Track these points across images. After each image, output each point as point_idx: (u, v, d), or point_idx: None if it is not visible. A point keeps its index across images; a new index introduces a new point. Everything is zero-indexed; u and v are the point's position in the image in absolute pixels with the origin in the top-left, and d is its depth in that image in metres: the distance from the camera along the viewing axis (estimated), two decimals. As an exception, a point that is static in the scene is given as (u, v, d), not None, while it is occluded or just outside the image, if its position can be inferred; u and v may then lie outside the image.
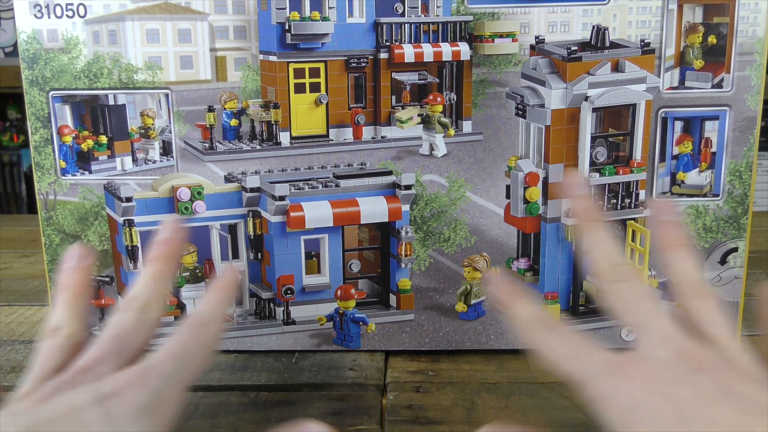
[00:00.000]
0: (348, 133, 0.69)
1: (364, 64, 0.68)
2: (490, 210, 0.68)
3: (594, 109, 0.65)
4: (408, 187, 0.67)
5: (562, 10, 0.64)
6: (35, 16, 0.64)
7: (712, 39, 0.64)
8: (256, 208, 0.68)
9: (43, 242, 0.68)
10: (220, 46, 0.65)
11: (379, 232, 0.71)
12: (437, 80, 0.70)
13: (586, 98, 0.64)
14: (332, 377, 0.64)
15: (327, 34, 0.67)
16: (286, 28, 0.66)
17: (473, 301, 0.68)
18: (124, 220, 0.67)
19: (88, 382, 0.36)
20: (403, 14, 0.67)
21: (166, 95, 0.66)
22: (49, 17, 0.64)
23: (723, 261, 0.67)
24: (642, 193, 0.67)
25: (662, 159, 0.66)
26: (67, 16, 0.64)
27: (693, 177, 0.67)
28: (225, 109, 0.67)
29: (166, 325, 0.68)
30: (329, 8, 0.66)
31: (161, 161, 0.67)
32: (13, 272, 0.97)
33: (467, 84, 0.66)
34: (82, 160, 0.68)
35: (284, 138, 0.68)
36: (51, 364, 0.39)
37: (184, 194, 0.66)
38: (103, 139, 0.67)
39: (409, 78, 0.69)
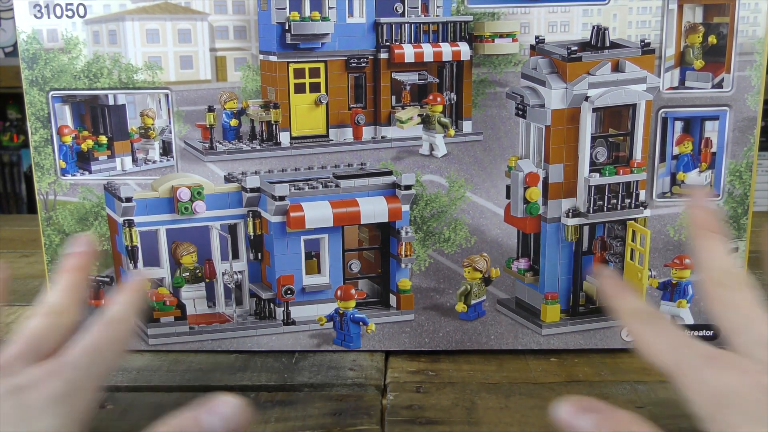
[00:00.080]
0: (348, 133, 0.69)
1: (364, 64, 0.68)
2: (490, 210, 0.68)
3: (594, 109, 0.65)
4: (408, 187, 0.67)
5: (562, 10, 0.64)
6: (35, 16, 0.64)
7: (712, 39, 0.64)
8: (256, 208, 0.68)
9: (43, 242, 0.68)
10: (220, 46, 0.65)
11: (379, 232, 0.71)
12: (437, 80, 0.70)
13: (586, 98, 0.64)
14: (332, 377, 0.64)
15: (327, 34, 0.67)
16: (286, 28, 0.66)
17: (473, 301, 0.68)
18: (124, 220, 0.67)
19: (3, 377, 0.39)
20: (403, 14, 0.67)
21: (166, 95, 0.66)
22: (49, 17, 0.64)
23: (723, 261, 0.67)
24: (642, 193, 0.67)
25: (662, 159, 0.66)
26: (67, 16, 0.64)
27: (693, 177, 0.67)
28: (225, 109, 0.67)
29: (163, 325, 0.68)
30: (329, 8, 0.66)
31: (161, 161, 0.67)
32: (13, 272, 0.96)
33: (467, 84, 0.66)
34: (82, 160, 0.68)
35: (284, 138, 0.68)
36: (38, 343, 0.42)
37: (184, 194, 0.66)
38: (103, 139, 0.67)
39: (409, 78, 0.69)
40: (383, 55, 0.68)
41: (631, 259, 0.67)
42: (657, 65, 0.64)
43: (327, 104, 0.69)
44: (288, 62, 0.67)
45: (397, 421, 0.56)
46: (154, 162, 0.67)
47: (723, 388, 0.36)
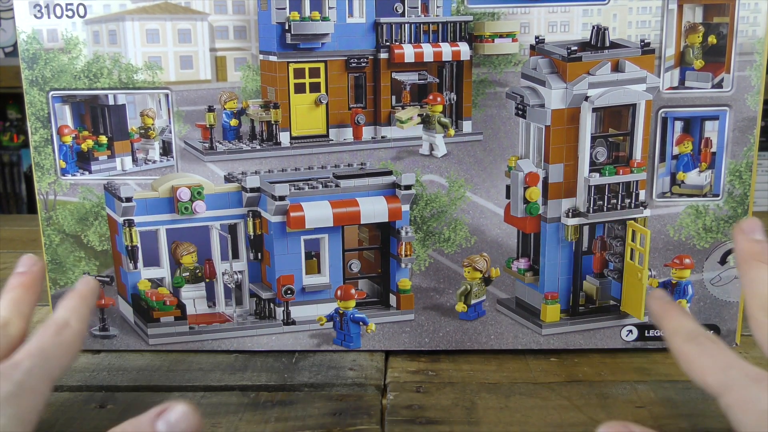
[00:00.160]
0: (348, 133, 0.69)
1: (364, 64, 0.68)
2: (490, 210, 0.68)
3: (594, 109, 0.65)
4: (408, 187, 0.67)
5: (562, 10, 0.64)
6: (35, 16, 0.64)
7: (712, 39, 0.64)
8: (256, 208, 0.68)
9: (43, 242, 0.68)
10: (220, 46, 0.65)
11: (379, 232, 0.71)
12: (437, 80, 0.70)
13: (586, 98, 0.64)
14: (332, 377, 0.64)
15: (327, 34, 0.67)
16: (286, 28, 0.66)
17: (473, 301, 0.68)
18: (124, 220, 0.67)
19: None
20: (403, 14, 0.67)
21: (166, 95, 0.66)
22: (49, 17, 0.64)
23: (723, 261, 0.67)
24: (642, 193, 0.67)
25: (662, 159, 0.66)
26: (67, 16, 0.64)
27: (693, 177, 0.67)
28: (225, 109, 0.67)
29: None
30: (329, 8, 0.66)
31: (161, 161, 0.67)
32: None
33: (467, 84, 0.66)
34: (82, 160, 0.68)
35: (284, 138, 0.68)
36: None
37: (184, 194, 0.67)
38: (103, 139, 0.67)
39: (409, 78, 0.69)
40: (383, 55, 0.68)
41: (631, 259, 0.67)
42: (657, 65, 0.64)
43: (327, 104, 0.69)
44: (288, 62, 0.67)
45: (397, 421, 0.56)
46: (154, 162, 0.67)
47: None
